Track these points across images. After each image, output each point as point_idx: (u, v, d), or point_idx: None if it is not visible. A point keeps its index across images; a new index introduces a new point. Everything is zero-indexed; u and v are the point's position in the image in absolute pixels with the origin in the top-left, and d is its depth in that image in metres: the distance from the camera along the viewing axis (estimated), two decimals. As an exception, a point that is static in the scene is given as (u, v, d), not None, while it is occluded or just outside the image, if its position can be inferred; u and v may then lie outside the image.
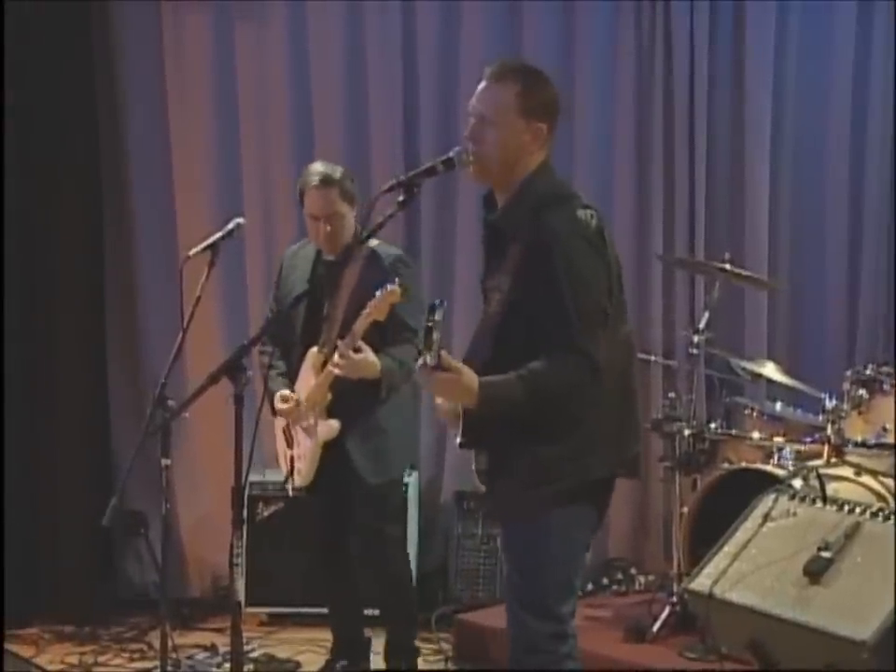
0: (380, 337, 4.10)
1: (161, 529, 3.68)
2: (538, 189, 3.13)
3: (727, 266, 4.76)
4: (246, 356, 3.19)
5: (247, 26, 5.68)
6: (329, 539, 4.46)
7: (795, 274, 5.51)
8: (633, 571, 5.30)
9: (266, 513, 5.33)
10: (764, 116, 5.38)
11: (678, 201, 5.47)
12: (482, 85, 3.17)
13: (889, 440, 4.40)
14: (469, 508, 5.40)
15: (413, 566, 4.65)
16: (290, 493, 4.44)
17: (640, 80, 5.49)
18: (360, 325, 4.01)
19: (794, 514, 3.38)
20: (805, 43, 5.43)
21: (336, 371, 4.10)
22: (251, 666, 4.81)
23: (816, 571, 3.15)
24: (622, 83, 5.51)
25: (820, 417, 4.60)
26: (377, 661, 4.54)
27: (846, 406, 4.52)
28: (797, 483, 3.83)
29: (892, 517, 3.23)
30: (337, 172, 4.26)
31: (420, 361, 2.96)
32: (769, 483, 3.85)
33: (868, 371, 4.56)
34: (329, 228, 4.23)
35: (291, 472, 4.37)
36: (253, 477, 5.16)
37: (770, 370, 4.94)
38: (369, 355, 4.06)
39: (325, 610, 4.70)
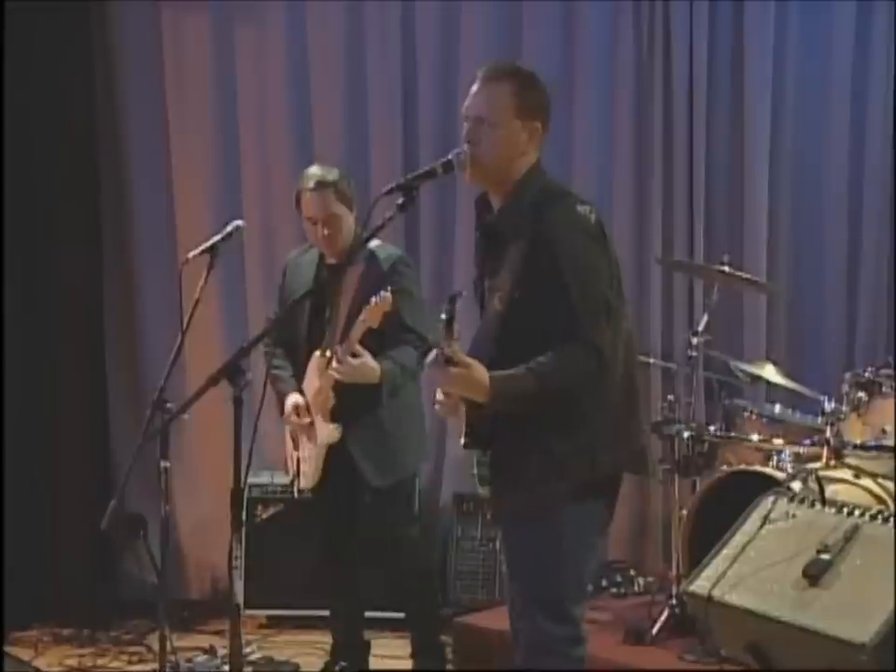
0: (381, 339, 4.11)
1: (160, 531, 3.67)
2: (534, 187, 3.14)
3: (726, 269, 4.76)
4: (245, 358, 3.19)
5: (246, 28, 5.68)
6: (334, 540, 4.47)
7: (794, 277, 5.51)
8: (632, 573, 5.30)
9: (265, 515, 5.34)
10: (763, 117, 5.37)
11: (676, 203, 5.46)
12: (475, 87, 3.18)
13: (888, 442, 4.40)
14: (467, 510, 5.39)
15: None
16: (296, 494, 4.46)
17: (639, 80, 5.48)
18: (355, 332, 4.03)
19: (793, 516, 3.37)
20: (805, 43, 5.42)
21: (335, 375, 4.12)
22: (250, 669, 4.81)
23: (815, 573, 3.15)
24: (620, 83, 5.50)
25: (819, 420, 4.59)
26: (375, 663, 4.55)
27: (844, 408, 4.51)
28: (796, 485, 3.83)
29: (891, 519, 3.24)
30: (332, 174, 4.26)
31: (431, 356, 2.95)
32: (768, 485, 3.85)
33: (867, 374, 4.56)
34: (326, 231, 4.23)
35: (297, 474, 4.39)
36: (252, 479, 5.20)
37: (769, 372, 4.94)
38: (367, 360, 4.07)
39: (324, 613, 4.71)
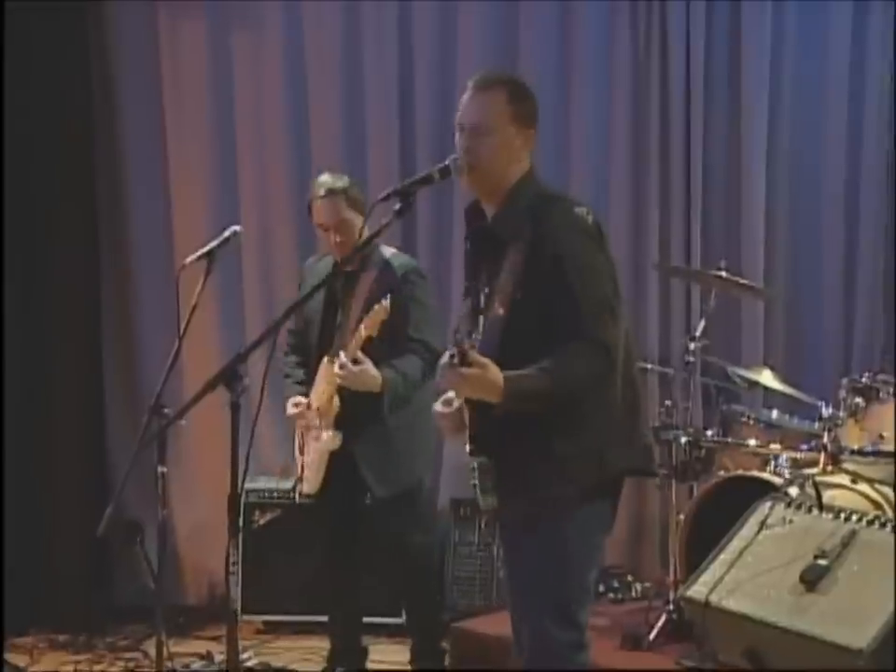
0: (389, 348, 4.13)
1: (157, 537, 3.67)
2: (529, 192, 3.16)
3: (723, 274, 4.76)
4: (242, 363, 3.18)
5: (243, 30, 5.69)
6: (335, 546, 4.47)
7: (791, 276, 5.51)
8: (629, 579, 5.29)
9: (262, 521, 5.33)
10: (760, 117, 5.37)
11: (673, 203, 5.46)
12: (467, 96, 3.19)
13: (886, 447, 4.40)
14: (465, 515, 5.39)
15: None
16: (297, 499, 4.47)
17: (636, 80, 5.47)
18: (356, 339, 4.06)
19: (790, 522, 3.38)
20: (802, 43, 5.42)
21: (338, 380, 4.14)
22: (247, 674, 4.81)
23: (812, 579, 3.15)
24: (617, 83, 5.49)
25: (817, 425, 4.59)
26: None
27: (842, 414, 4.51)
28: (793, 490, 3.84)
29: (889, 525, 3.24)
30: (342, 181, 4.32)
31: (445, 357, 2.95)
32: (765, 490, 3.86)
33: (864, 379, 4.55)
34: (338, 237, 4.28)
35: (301, 479, 4.40)
36: (249, 484, 5.20)
37: (766, 377, 4.94)
38: (368, 367, 4.10)
39: (321, 618, 4.70)
